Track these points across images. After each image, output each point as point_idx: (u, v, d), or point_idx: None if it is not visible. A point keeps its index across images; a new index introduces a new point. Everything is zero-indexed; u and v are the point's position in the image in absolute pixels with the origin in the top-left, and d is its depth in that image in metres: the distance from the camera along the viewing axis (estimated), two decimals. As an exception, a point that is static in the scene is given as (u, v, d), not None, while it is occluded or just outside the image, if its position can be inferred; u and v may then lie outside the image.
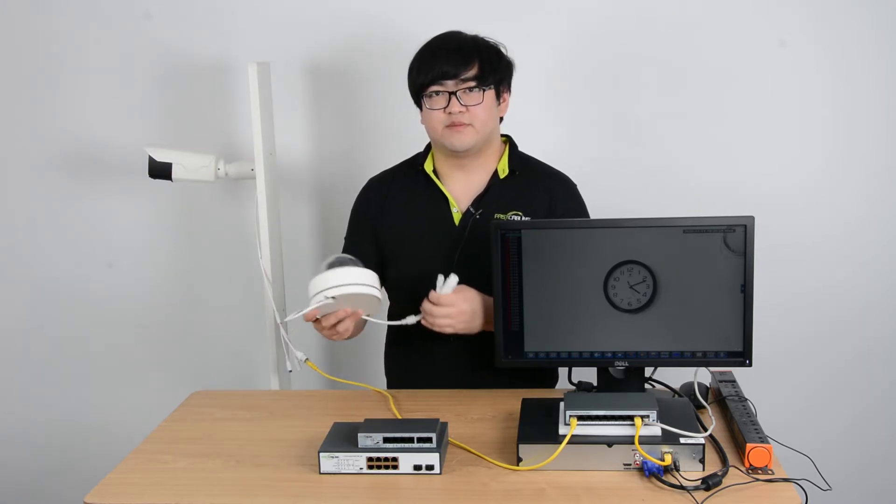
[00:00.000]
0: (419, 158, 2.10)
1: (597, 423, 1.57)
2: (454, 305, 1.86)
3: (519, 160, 2.08)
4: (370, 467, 1.57)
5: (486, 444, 1.68)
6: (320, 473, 1.58)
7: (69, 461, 2.88)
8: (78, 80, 2.67)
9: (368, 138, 2.64)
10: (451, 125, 1.95)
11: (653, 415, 1.55)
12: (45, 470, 2.92)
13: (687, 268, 1.71)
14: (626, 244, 1.72)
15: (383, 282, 2.02)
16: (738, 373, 1.87)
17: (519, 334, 1.78)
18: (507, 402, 1.88)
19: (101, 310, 2.81)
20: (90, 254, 2.78)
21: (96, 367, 2.85)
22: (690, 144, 2.55)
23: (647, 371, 1.83)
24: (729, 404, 1.74)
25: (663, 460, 1.51)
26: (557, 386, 2.15)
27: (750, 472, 1.53)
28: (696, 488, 1.47)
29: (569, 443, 1.54)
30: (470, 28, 2.03)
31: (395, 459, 1.56)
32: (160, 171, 2.37)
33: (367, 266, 1.87)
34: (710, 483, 1.47)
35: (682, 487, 1.47)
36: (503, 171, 2.05)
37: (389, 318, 2.03)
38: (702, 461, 1.53)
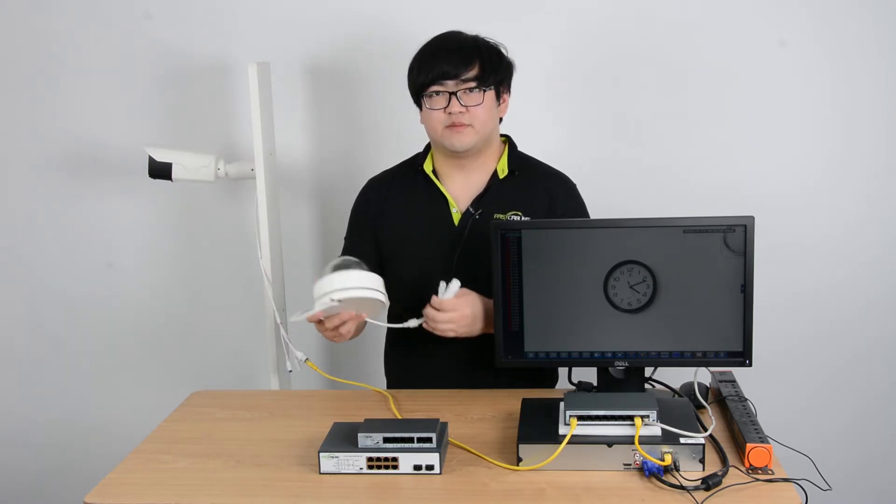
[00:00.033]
0: (419, 159, 2.10)
1: (597, 423, 1.57)
2: (456, 310, 1.87)
3: (518, 160, 2.08)
4: (370, 467, 1.57)
5: (486, 444, 1.68)
6: (320, 473, 1.58)
7: (69, 461, 2.88)
8: (78, 80, 2.67)
9: (368, 138, 2.64)
10: (451, 125, 1.95)
11: (653, 415, 1.55)
12: (45, 470, 2.92)
13: (687, 268, 1.71)
14: (626, 244, 1.72)
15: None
16: (738, 373, 1.87)
17: (519, 334, 1.78)
18: (507, 402, 1.88)
19: (101, 310, 2.81)
20: (90, 254, 2.78)
21: (96, 367, 2.85)
22: (690, 144, 2.55)
23: (647, 371, 1.83)
24: (729, 404, 1.74)
25: (663, 460, 1.51)
26: (557, 386, 2.15)
27: (750, 472, 1.53)
28: (696, 488, 1.47)
29: (569, 443, 1.54)
30: (470, 28, 2.03)
31: (395, 459, 1.56)
32: (160, 171, 2.37)
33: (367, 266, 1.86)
34: (710, 483, 1.47)
35: (682, 487, 1.47)
36: (502, 172, 2.05)
37: (389, 318, 2.03)
38: (702, 461, 1.53)
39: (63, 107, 2.69)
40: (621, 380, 1.77)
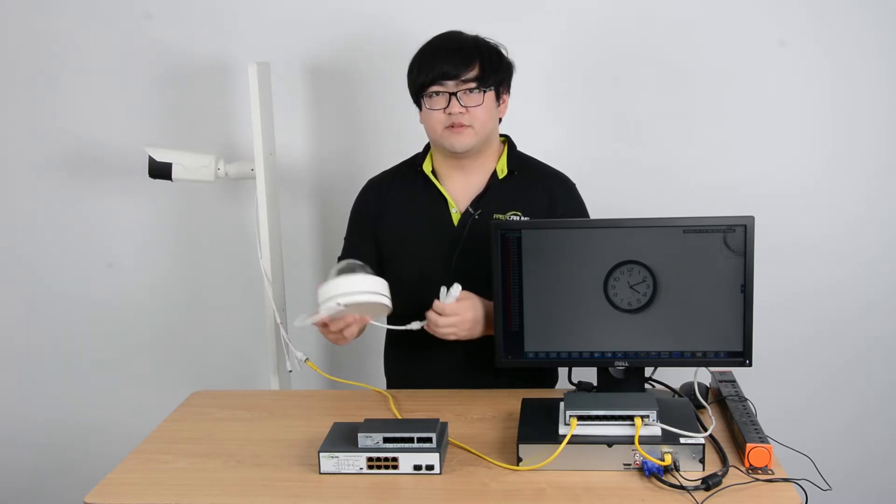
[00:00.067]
0: (418, 159, 2.10)
1: (597, 423, 1.57)
2: (458, 314, 1.87)
3: (518, 160, 2.08)
4: (370, 467, 1.57)
5: (486, 444, 1.68)
6: (320, 473, 1.58)
7: (69, 461, 2.88)
8: (78, 80, 2.67)
9: (368, 138, 2.64)
10: (451, 126, 1.95)
11: (653, 415, 1.55)
12: (45, 470, 2.92)
13: (687, 268, 1.71)
14: (626, 244, 1.72)
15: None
16: (738, 373, 1.87)
17: (519, 334, 1.78)
18: (507, 402, 1.88)
19: (101, 310, 2.81)
20: (90, 254, 2.78)
21: (96, 367, 2.85)
22: (690, 144, 2.55)
23: (647, 371, 1.83)
24: (729, 404, 1.74)
25: (663, 460, 1.51)
26: (557, 386, 2.15)
27: (750, 472, 1.53)
28: (696, 488, 1.47)
29: (569, 443, 1.54)
30: (470, 28, 2.03)
31: (395, 459, 1.56)
32: (160, 171, 2.37)
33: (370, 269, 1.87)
34: (710, 483, 1.47)
35: (682, 487, 1.47)
36: (502, 172, 2.05)
37: (389, 319, 2.03)
38: (702, 461, 1.53)
39: (63, 107, 2.69)
40: (621, 380, 1.78)
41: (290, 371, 2.33)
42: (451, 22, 2.06)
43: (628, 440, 1.54)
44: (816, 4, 2.45)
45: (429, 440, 1.57)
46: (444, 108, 1.95)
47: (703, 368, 1.82)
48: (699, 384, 1.81)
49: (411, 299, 1.93)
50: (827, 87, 2.50)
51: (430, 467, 1.56)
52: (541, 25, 2.52)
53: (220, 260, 2.76)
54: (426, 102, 1.97)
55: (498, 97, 2.01)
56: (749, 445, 1.54)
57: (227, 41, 2.60)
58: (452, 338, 1.89)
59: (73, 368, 2.85)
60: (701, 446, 1.53)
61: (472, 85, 1.94)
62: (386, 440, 1.57)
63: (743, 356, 1.72)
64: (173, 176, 2.37)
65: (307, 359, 2.13)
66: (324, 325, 1.84)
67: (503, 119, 2.09)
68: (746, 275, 1.69)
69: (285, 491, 1.54)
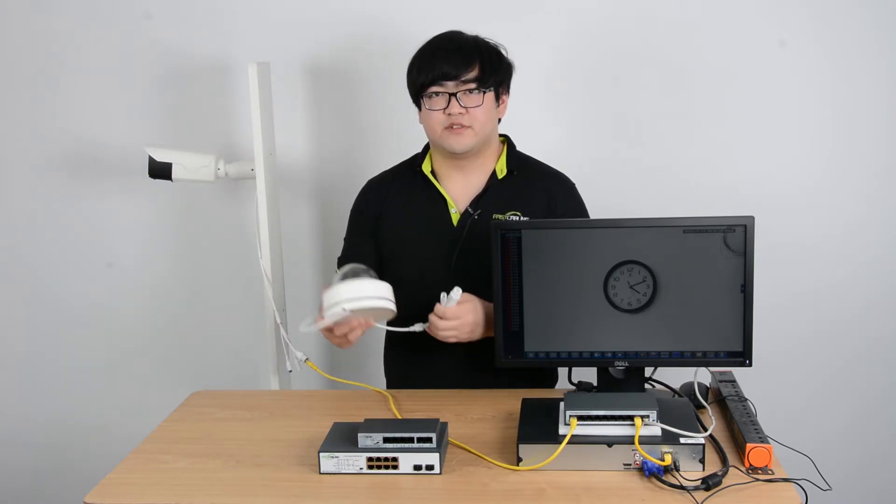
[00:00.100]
0: (417, 159, 2.10)
1: (597, 423, 1.57)
2: (459, 318, 1.87)
3: (517, 160, 2.08)
4: (370, 467, 1.57)
5: (486, 444, 1.68)
6: (320, 473, 1.58)
7: (69, 461, 2.88)
8: (78, 80, 2.67)
9: (368, 138, 2.64)
10: (451, 127, 1.95)
11: (653, 415, 1.55)
12: (45, 470, 2.92)
13: (687, 268, 1.71)
14: (626, 244, 1.72)
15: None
16: (738, 373, 1.87)
17: (519, 334, 1.78)
18: (507, 402, 1.88)
19: (101, 310, 2.81)
20: (90, 254, 2.78)
21: (96, 367, 2.85)
22: (690, 144, 2.55)
23: (647, 371, 1.83)
24: (729, 404, 1.74)
25: (663, 460, 1.51)
26: (557, 386, 2.15)
27: (750, 472, 1.53)
28: (696, 488, 1.47)
29: (569, 443, 1.54)
30: (470, 28, 2.02)
31: (395, 459, 1.56)
32: (160, 171, 2.37)
33: (367, 266, 1.86)
34: (710, 483, 1.47)
35: (682, 487, 1.47)
36: (501, 172, 2.05)
37: (389, 320, 2.03)
38: (702, 461, 1.53)
39: (63, 107, 2.69)
40: (621, 380, 1.78)
41: (290, 371, 2.33)
42: (451, 22, 2.06)
43: (628, 440, 1.54)
44: (816, 4, 2.45)
45: (429, 440, 1.57)
46: (444, 109, 1.95)
47: (703, 368, 1.82)
48: (699, 384, 1.81)
49: (411, 299, 1.93)
50: (827, 87, 2.50)
51: (430, 467, 1.56)
52: (541, 25, 2.52)
53: (220, 260, 2.76)
54: (426, 103, 1.97)
55: (497, 98, 2.01)
56: (749, 445, 1.54)
57: (227, 41, 2.60)
58: (453, 340, 1.90)
59: (73, 368, 2.85)
60: (701, 446, 1.53)
61: (472, 86, 1.94)
62: (386, 440, 1.57)
63: (743, 356, 1.72)
64: (173, 176, 2.37)
65: (307, 359, 2.13)
66: (328, 330, 1.85)
67: (503, 119, 2.09)
68: (746, 275, 1.69)
69: (285, 491, 1.54)
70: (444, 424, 1.67)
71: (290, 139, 2.63)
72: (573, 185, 2.10)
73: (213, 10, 2.59)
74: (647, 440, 1.54)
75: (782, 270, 2.55)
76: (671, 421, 1.57)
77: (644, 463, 1.51)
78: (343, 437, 1.62)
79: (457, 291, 1.86)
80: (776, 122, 2.53)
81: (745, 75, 2.50)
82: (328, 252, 2.69)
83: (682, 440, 1.53)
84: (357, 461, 1.57)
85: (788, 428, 1.79)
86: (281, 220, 2.49)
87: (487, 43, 2.00)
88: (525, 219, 2.00)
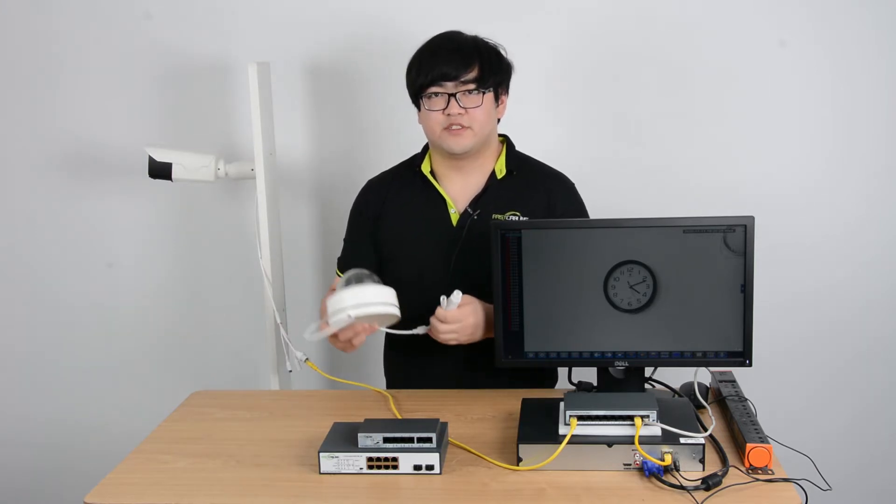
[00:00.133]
0: (417, 160, 2.10)
1: (597, 423, 1.57)
2: (460, 321, 1.87)
3: (516, 160, 2.08)
4: (370, 467, 1.57)
5: (486, 444, 1.68)
6: (320, 473, 1.58)
7: (69, 461, 2.88)
8: (78, 80, 2.67)
9: (368, 138, 2.64)
10: (450, 127, 1.95)
11: (653, 415, 1.55)
12: (45, 470, 2.92)
13: (687, 268, 1.71)
14: (626, 244, 1.72)
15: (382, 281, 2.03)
16: (738, 373, 1.87)
17: (519, 334, 1.78)
18: (507, 402, 1.88)
19: (101, 310, 2.81)
20: (90, 254, 2.78)
21: (96, 367, 2.85)
22: (690, 144, 2.55)
23: (647, 371, 1.83)
24: (729, 404, 1.74)
25: (663, 460, 1.51)
26: (557, 386, 2.15)
27: (750, 472, 1.53)
28: (696, 488, 1.47)
29: (569, 443, 1.54)
30: (470, 28, 2.02)
31: (395, 459, 1.56)
32: (160, 171, 2.37)
33: (367, 267, 1.86)
34: (710, 483, 1.47)
35: (682, 487, 1.47)
36: (500, 172, 2.05)
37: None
38: (702, 461, 1.53)
39: (63, 107, 2.69)
40: (621, 380, 1.77)
41: (290, 371, 2.33)
42: (451, 22, 2.05)
43: (628, 440, 1.54)
44: (816, 4, 2.45)
45: (429, 440, 1.57)
46: (443, 110, 1.94)
47: (703, 368, 1.82)
48: (699, 384, 1.81)
49: (410, 300, 1.92)
50: (827, 87, 2.50)
51: (430, 467, 1.56)
52: (541, 25, 2.52)
53: (220, 260, 2.76)
54: (425, 103, 1.97)
55: (497, 98, 2.01)
56: (749, 445, 1.54)
57: (227, 41, 2.60)
58: (454, 342, 1.90)
59: (73, 368, 2.85)
60: (701, 446, 1.53)
61: (472, 86, 1.94)
62: (386, 440, 1.57)
63: (743, 356, 1.72)
64: (173, 176, 2.37)
65: (307, 359, 2.13)
66: (332, 336, 1.85)
67: (503, 119, 2.09)
68: (746, 275, 1.69)
69: (285, 491, 1.54)
70: (444, 424, 1.67)
71: (290, 139, 2.63)
72: (573, 185, 2.10)
73: (213, 10, 2.59)
74: (647, 440, 1.54)
75: (782, 270, 2.55)
76: (671, 421, 1.57)
77: (644, 463, 1.51)
78: (343, 437, 1.62)
79: (457, 295, 1.86)
80: (776, 122, 2.53)
81: (745, 75, 2.50)
82: (328, 252, 2.69)
83: (682, 440, 1.53)
84: (357, 461, 1.57)
85: (788, 428, 1.79)
86: (281, 220, 2.49)
87: (487, 43, 2.00)
88: (524, 219, 2.00)
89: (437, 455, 1.56)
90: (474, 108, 1.94)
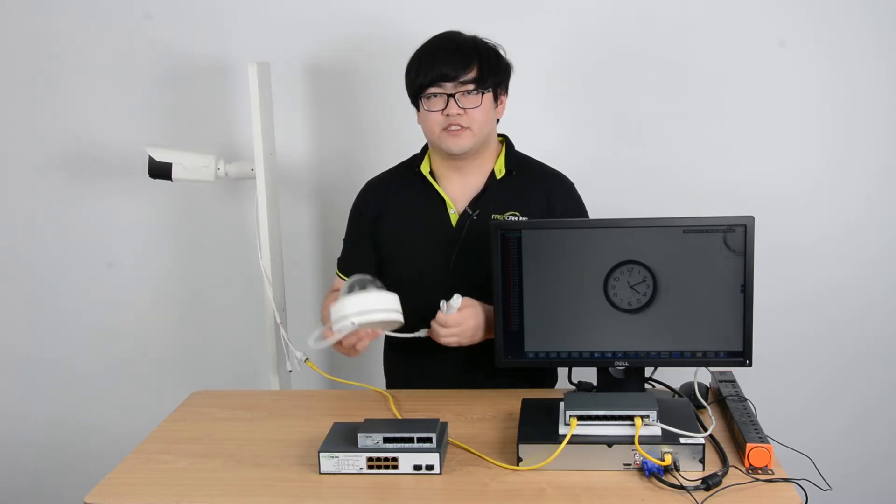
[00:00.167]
0: (416, 160, 2.10)
1: (597, 423, 1.57)
2: (460, 325, 1.87)
3: (516, 160, 2.08)
4: (370, 467, 1.57)
5: (486, 444, 1.68)
6: (320, 473, 1.58)
7: (69, 461, 2.88)
8: (78, 80, 2.67)
9: (368, 138, 2.64)
10: (449, 128, 1.95)
11: (653, 415, 1.55)
12: (45, 470, 2.92)
13: (687, 268, 1.71)
14: (626, 244, 1.72)
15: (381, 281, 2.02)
16: (738, 373, 1.87)
17: (519, 334, 1.78)
18: (507, 402, 1.88)
19: (101, 310, 2.81)
20: (90, 254, 2.78)
21: (96, 367, 2.85)
22: (690, 144, 2.55)
23: (647, 371, 1.83)
24: (729, 404, 1.74)
25: (663, 460, 1.51)
26: (557, 386, 2.15)
27: (750, 472, 1.53)
28: (696, 488, 1.47)
29: (569, 443, 1.54)
30: (470, 28, 2.02)
31: (395, 459, 1.56)
32: (160, 171, 2.37)
33: (366, 268, 1.86)
34: (710, 483, 1.47)
35: (682, 487, 1.47)
36: (500, 172, 2.05)
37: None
38: (702, 461, 1.53)
39: (63, 107, 2.69)
40: (621, 380, 1.77)
41: (290, 371, 2.33)
42: (451, 22, 2.05)
43: (628, 440, 1.54)
44: (816, 4, 2.45)
45: (429, 440, 1.57)
46: (442, 110, 1.94)
47: (703, 368, 1.82)
48: (699, 384, 1.81)
49: (410, 300, 1.92)
50: (827, 87, 2.50)
51: (430, 467, 1.56)
52: (541, 25, 2.52)
53: (220, 260, 2.76)
54: (424, 104, 1.97)
55: (496, 98, 2.01)
56: (749, 445, 1.54)
57: (227, 41, 2.60)
58: (455, 344, 1.90)
59: (73, 368, 2.85)
60: (701, 446, 1.53)
61: (471, 87, 1.94)
62: (386, 440, 1.57)
63: (743, 356, 1.72)
64: (173, 176, 2.37)
65: (307, 359, 2.13)
66: (336, 342, 1.85)
67: (503, 119, 2.09)
68: (746, 275, 1.69)
69: (285, 491, 1.54)
70: (444, 424, 1.67)
71: (290, 139, 2.63)
72: (572, 184, 2.10)
73: (213, 10, 2.59)
74: (647, 440, 1.54)
75: (782, 270, 2.55)
76: (671, 421, 1.57)
77: (644, 463, 1.51)
78: (343, 437, 1.62)
79: (457, 299, 1.86)
80: (776, 122, 2.53)
81: (745, 75, 2.50)
82: (328, 252, 2.69)
83: (682, 440, 1.53)
84: (357, 461, 1.57)
85: (788, 428, 1.79)
86: (281, 220, 2.49)
87: (486, 43, 2.00)
88: (524, 219, 2.00)
89: (437, 455, 1.56)
90: (473, 108, 1.94)
